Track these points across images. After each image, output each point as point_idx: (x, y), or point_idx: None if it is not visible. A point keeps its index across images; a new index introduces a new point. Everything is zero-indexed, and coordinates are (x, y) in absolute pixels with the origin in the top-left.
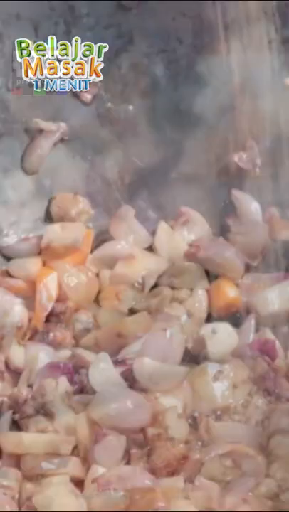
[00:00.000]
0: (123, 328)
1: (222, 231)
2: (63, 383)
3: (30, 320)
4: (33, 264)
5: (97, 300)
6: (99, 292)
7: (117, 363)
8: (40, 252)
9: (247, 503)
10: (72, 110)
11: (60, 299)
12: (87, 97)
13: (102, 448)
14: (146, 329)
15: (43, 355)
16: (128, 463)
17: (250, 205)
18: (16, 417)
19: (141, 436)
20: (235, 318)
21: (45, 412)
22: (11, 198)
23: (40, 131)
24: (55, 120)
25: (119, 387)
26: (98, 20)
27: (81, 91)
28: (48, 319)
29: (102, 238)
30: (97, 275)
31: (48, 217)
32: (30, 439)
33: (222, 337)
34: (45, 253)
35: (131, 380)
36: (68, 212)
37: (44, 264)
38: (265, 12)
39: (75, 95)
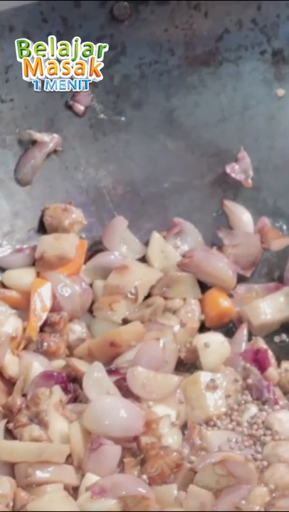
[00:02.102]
0: (116, 338)
1: (215, 242)
2: (57, 392)
3: (24, 330)
4: (27, 275)
5: (90, 310)
6: (92, 303)
7: (110, 372)
8: (34, 262)
9: (240, 510)
10: (65, 121)
11: (54, 309)
12: (80, 108)
13: (98, 456)
14: (140, 338)
15: (37, 364)
16: (122, 471)
17: (242, 216)
18: (10, 426)
19: (134, 444)
20: (227, 327)
21: (39, 420)
22: (5, 209)
23: (34, 142)
24: (48, 131)
25: (112, 396)
26: (91, 32)
27: (74, 102)
28: (42, 329)
29: (95, 249)
30: (91, 285)
31: (42, 228)
32: (24, 448)
33: (215, 347)
34: (39, 264)
35: (124, 389)
36: (61, 222)
37: (38, 274)
38: (256, 23)
39: (68, 106)
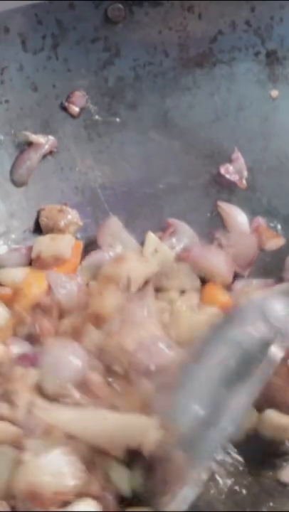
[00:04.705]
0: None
1: (210, 242)
2: (32, 375)
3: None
4: (22, 273)
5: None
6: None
7: None
8: (30, 262)
9: None
10: (61, 122)
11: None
12: (75, 109)
13: None
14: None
15: (17, 348)
16: None
17: (237, 217)
18: None
19: None
20: None
21: (7, 399)
22: (0, 210)
23: (29, 143)
24: (44, 132)
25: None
26: (85, 34)
27: (69, 104)
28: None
29: (91, 249)
30: (87, 285)
31: (38, 229)
32: None
33: None
34: (36, 264)
35: None
36: (57, 223)
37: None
38: (250, 25)
39: (63, 108)
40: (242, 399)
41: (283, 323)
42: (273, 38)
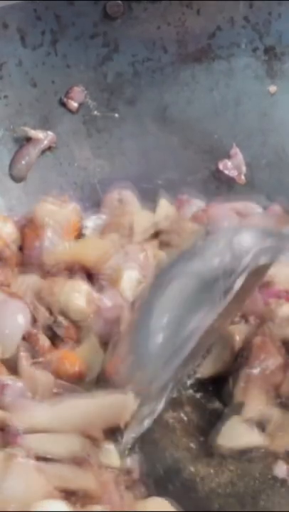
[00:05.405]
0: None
1: None
2: None
3: None
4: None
5: None
6: None
7: None
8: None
9: None
10: (59, 118)
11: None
12: (74, 105)
13: None
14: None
15: None
16: None
17: None
18: None
19: None
20: None
21: None
22: None
23: (28, 139)
24: (43, 128)
25: None
26: (84, 30)
27: (68, 99)
28: None
29: None
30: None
31: None
32: None
33: None
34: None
35: None
36: None
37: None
38: (248, 20)
39: (62, 103)
40: (199, 324)
41: (247, 254)
42: (271, 34)
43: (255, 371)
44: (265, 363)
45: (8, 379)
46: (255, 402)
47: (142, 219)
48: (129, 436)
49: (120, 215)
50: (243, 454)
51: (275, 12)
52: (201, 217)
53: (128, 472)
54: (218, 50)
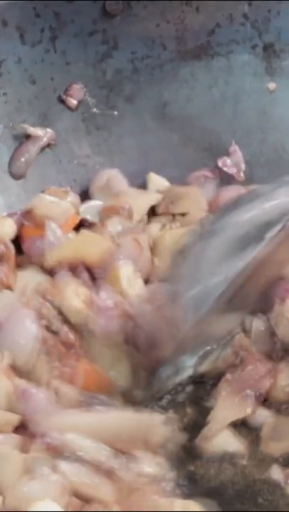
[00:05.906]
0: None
1: None
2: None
3: None
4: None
5: None
6: None
7: None
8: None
9: None
10: (59, 115)
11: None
12: (73, 102)
13: None
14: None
15: None
16: None
17: None
18: None
19: None
20: None
21: None
22: None
23: (27, 136)
24: (42, 125)
25: None
26: (83, 27)
27: (67, 96)
28: None
29: None
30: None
31: None
32: None
33: None
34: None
35: None
36: None
37: None
38: (247, 18)
39: (61, 101)
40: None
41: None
42: (270, 31)
43: (234, 376)
44: (253, 368)
45: (31, 387)
46: (233, 407)
47: (137, 197)
48: (163, 375)
49: (114, 197)
50: (225, 459)
51: (274, 9)
52: (215, 201)
53: (161, 479)
54: (218, 48)
